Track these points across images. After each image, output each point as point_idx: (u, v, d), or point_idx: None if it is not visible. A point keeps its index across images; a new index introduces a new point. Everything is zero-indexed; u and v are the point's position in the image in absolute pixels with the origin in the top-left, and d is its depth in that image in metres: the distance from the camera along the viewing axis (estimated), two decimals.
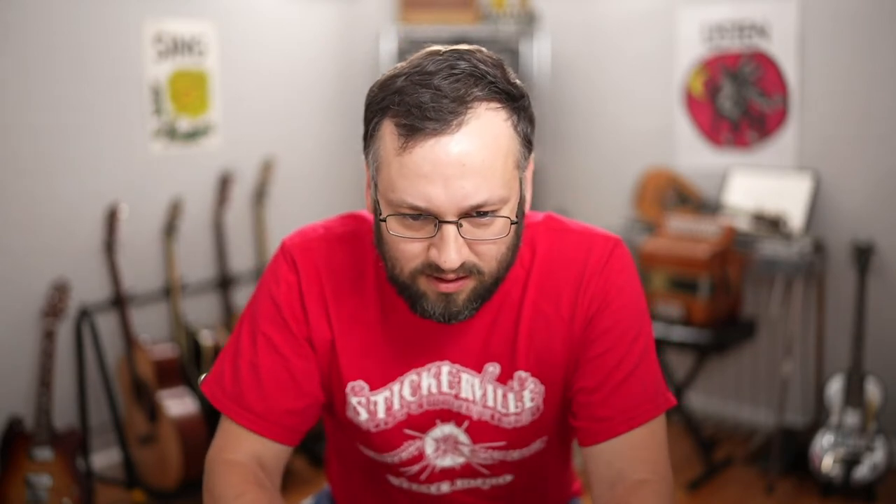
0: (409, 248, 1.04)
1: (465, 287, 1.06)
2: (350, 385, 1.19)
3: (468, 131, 0.98)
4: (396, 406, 1.19)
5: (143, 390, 3.09)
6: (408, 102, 0.98)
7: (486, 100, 1.00)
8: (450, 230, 1.00)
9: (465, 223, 1.01)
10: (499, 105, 1.01)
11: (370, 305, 1.18)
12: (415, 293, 1.07)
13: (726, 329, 3.26)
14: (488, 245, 1.04)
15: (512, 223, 1.04)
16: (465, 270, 1.04)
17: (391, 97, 1.01)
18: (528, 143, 1.06)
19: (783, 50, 3.40)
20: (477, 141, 0.99)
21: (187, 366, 3.26)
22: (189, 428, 2.99)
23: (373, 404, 1.19)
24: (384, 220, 1.04)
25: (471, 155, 0.98)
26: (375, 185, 1.06)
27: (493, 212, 1.02)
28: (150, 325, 3.39)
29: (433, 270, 1.04)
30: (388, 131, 1.01)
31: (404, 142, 0.99)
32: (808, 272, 3.23)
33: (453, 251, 1.00)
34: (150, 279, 3.41)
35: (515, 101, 1.03)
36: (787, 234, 3.24)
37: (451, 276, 1.03)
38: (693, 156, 3.67)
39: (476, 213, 1.01)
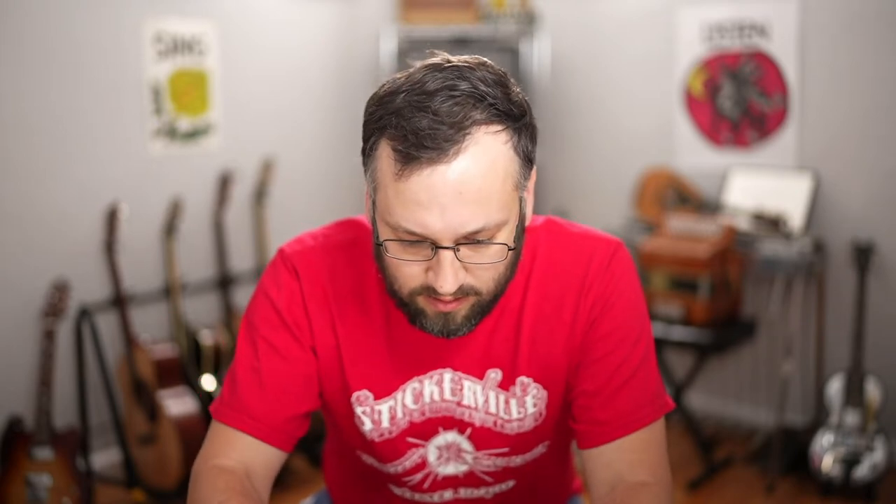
0: (407, 270, 1.03)
1: (464, 305, 1.05)
2: (355, 395, 1.18)
3: (466, 158, 0.96)
4: (399, 415, 1.19)
5: (143, 390, 3.10)
6: (405, 127, 0.96)
7: (485, 123, 0.98)
8: (446, 256, 0.99)
9: (461, 248, 1.00)
10: (499, 127, 0.99)
11: (373, 314, 1.17)
12: (414, 310, 1.07)
13: (726, 329, 3.26)
14: (485, 268, 1.03)
15: (509, 249, 1.03)
16: (463, 292, 1.04)
17: (388, 118, 0.98)
18: (528, 161, 1.04)
19: (783, 50, 3.40)
20: (474, 168, 0.97)
21: (187, 365, 3.26)
22: (189, 427, 3.00)
23: (377, 413, 1.19)
24: (381, 245, 1.03)
25: (468, 183, 0.97)
26: (374, 204, 1.05)
27: (490, 238, 1.01)
28: (150, 325, 3.39)
29: (431, 292, 1.03)
30: (385, 154, 0.99)
31: (401, 168, 0.97)
32: (808, 272, 3.23)
33: (450, 276, 1.00)
34: (150, 279, 3.41)
35: (517, 120, 1.01)
36: (787, 233, 3.24)
37: (449, 297, 1.03)
38: (693, 156, 3.67)
39: (473, 240, 1.00)
